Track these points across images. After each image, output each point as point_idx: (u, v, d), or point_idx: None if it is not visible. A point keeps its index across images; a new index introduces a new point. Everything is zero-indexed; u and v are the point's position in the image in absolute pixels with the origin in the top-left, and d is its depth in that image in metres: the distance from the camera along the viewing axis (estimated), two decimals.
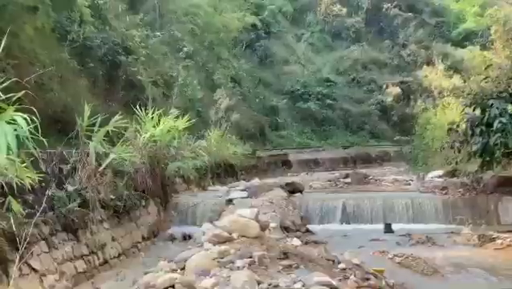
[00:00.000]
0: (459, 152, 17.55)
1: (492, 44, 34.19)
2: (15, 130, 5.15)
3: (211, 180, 22.78)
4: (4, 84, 6.01)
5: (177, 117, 17.90)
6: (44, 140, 6.25)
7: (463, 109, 17.24)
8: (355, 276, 7.44)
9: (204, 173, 21.87)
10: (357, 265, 8.41)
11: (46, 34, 18.25)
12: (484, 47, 41.83)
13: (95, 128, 12.91)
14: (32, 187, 8.87)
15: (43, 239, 10.20)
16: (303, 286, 6.06)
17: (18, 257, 8.18)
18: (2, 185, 8.57)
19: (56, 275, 10.14)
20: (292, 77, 48.37)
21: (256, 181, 21.27)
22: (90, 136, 12.90)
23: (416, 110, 36.43)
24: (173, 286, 6.18)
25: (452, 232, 14.93)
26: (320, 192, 20.49)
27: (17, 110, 5.46)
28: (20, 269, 8.85)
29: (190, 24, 33.94)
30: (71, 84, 18.88)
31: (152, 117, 16.82)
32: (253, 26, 46.04)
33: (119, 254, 13.20)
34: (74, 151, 12.78)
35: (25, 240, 7.95)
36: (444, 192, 17.74)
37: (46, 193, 10.68)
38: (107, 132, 13.31)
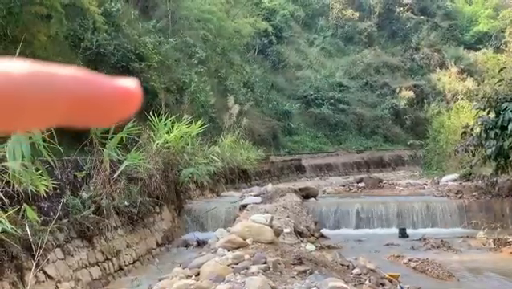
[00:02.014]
0: (473, 155, 17.48)
1: (506, 46, 34.11)
2: (30, 138, 5.19)
3: (225, 185, 22.78)
4: None
5: (190, 123, 17.92)
6: (59, 147, 6.29)
7: (477, 112, 17.18)
8: (369, 281, 7.42)
9: (217, 179, 21.88)
10: (372, 270, 8.39)
11: (59, 42, 18.39)
12: (497, 50, 41.76)
13: (109, 135, 12.96)
14: (47, 194, 8.93)
15: (58, 246, 10.24)
16: None
17: (34, 264, 8.23)
18: (18, 193, 8.64)
19: (72, 282, 10.18)
20: (305, 82, 48.37)
21: (269, 187, 21.24)
22: (104, 143, 12.94)
23: (430, 113, 36.43)
24: None
25: (467, 236, 14.86)
26: (334, 196, 20.46)
27: None
28: (36, 276, 8.89)
29: (202, 30, 34.02)
30: None
31: (166, 123, 16.85)
32: (266, 31, 46.10)
33: (134, 261, 13.23)
34: (88, 158, 12.84)
35: (40, 247, 8.00)
36: (458, 196, 17.66)
37: (61, 200, 10.73)
38: (121, 138, 13.35)
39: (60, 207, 10.29)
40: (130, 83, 0.34)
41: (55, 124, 0.33)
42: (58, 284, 9.66)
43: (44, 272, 9.33)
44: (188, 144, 17.89)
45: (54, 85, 0.31)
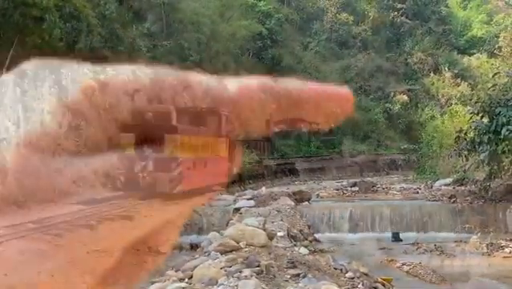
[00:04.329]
0: (467, 160, 17.52)
1: (499, 51, 34.15)
2: None
3: None
4: None
5: None
6: None
7: (471, 117, 17.22)
8: (362, 285, 7.43)
9: None
10: (365, 274, 8.39)
11: (54, 44, 18.34)
12: (491, 55, 41.82)
13: None
14: None
15: None
16: None
17: None
18: None
19: None
20: None
21: (263, 190, 21.21)
22: None
23: (424, 118, 36.42)
24: None
25: (460, 240, 14.87)
26: (327, 200, 20.45)
27: None
28: None
29: (197, 33, 33.95)
30: None
31: None
32: (260, 34, 45.97)
33: None
34: None
35: None
36: (452, 200, 17.68)
37: None
38: None
39: None
40: (347, 90, 0.37)
41: (282, 126, 0.36)
42: None
43: None
44: None
45: (282, 93, 0.35)
